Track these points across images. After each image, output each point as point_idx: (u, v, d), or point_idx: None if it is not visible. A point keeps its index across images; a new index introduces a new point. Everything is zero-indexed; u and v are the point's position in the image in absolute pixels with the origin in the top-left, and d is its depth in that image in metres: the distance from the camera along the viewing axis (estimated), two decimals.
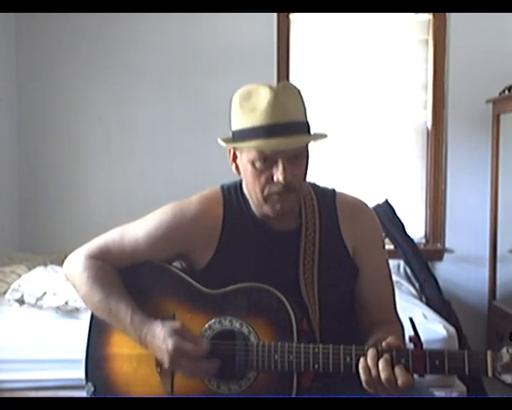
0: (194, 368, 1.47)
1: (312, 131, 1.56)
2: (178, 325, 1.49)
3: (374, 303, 1.63)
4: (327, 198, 1.66)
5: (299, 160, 1.52)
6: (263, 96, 1.48)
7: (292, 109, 1.50)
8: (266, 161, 1.50)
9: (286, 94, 1.50)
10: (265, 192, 1.52)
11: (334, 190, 1.69)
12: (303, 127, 1.52)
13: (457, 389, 2.38)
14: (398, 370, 1.35)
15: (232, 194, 1.65)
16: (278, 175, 1.49)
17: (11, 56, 3.74)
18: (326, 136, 1.56)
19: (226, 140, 1.58)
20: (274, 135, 1.47)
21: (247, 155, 1.52)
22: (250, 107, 1.49)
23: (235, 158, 1.59)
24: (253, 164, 1.51)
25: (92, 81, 3.80)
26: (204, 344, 1.48)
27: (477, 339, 3.55)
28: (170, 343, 1.45)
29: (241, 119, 1.51)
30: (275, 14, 3.74)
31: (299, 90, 1.54)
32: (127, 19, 3.68)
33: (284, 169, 1.48)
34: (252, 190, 1.56)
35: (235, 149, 1.57)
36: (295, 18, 3.80)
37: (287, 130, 1.47)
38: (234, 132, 1.55)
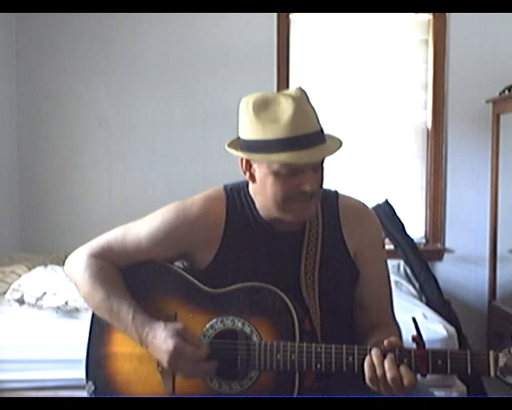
0: (193, 370, 1.47)
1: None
2: (180, 327, 1.49)
3: (372, 305, 1.63)
4: (329, 200, 1.66)
5: (320, 167, 1.53)
6: (284, 107, 1.46)
7: (313, 118, 1.50)
8: (292, 172, 1.48)
9: (305, 102, 1.50)
10: (288, 201, 1.51)
11: (336, 192, 1.69)
12: (323, 135, 1.52)
13: (457, 389, 2.38)
14: (403, 369, 1.36)
15: (235, 194, 1.64)
16: (305, 185, 1.49)
17: (11, 56, 3.74)
18: (342, 142, 1.57)
19: (234, 145, 1.56)
20: (303, 147, 1.45)
21: (270, 165, 1.50)
22: (270, 117, 1.47)
23: (248, 167, 1.56)
24: (276, 175, 1.50)
25: (92, 81, 3.79)
26: (204, 347, 1.48)
27: (477, 339, 3.55)
28: (171, 344, 1.45)
29: (260, 129, 1.48)
30: (275, 14, 3.73)
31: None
32: (127, 19, 3.68)
33: (311, 179, 1.49)
34: (271, 198, 1.53)
35: (248, 158, 1.54)
36: (295, 18, 3.79)
37: (314, 140, 1.47)
38: (249, 142, 1.51)
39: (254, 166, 1.54)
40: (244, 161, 1.56)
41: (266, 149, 1.47)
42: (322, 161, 1.54)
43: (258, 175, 1.54)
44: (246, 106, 1.51)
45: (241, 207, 1.62)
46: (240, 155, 1.54)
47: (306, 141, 1.46)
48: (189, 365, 1.47)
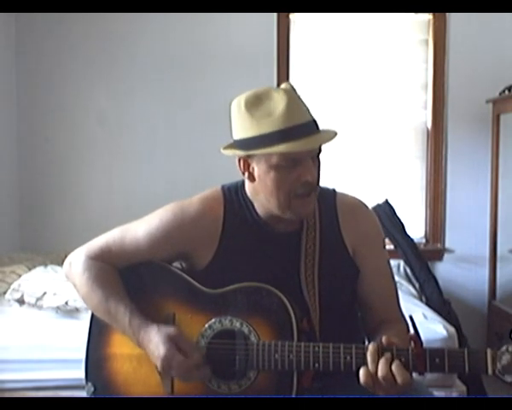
0: (185, 376, 1.49)
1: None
2: (174, 332, 1.49)
3: (377, 303, 1.63)
4: (327, 198, 1.66)
5: (317, 159, 1.54)
6: (277, 100, 1.48)
7: (305, 109, 1.51)
8: (292, 163, 1.49)
9: (295, 95, 1.51)
10: (292, 195, 1.51)
11: (334, 191, 1.69)
12: (317, 125, 1.53)
13: (457, 389, 2.38)
14: (395, 368, 1.35)
15: (233, 194, 1.64)
16: (307, 175, 1.49)
17: (11, 57, 3.74)
18: (336, 132, 1.57)
19: (230, 147, 1.56)
20: (300, 136, 1.46)
21: (268, 160, 1.49)
22: (264, 112, 1.48)
23: (247, 166, 1.56)
24: (276, 169, 1.49)
25: (92, 81, 3.79)
26: (196, 355, 1.48)
27: (477, 339, 3.55)
28: (162, 351, 1.46)
29: (255, 125, 1.48)
30: (275, 14, 3.74)
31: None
32: (128, 19, 3.68)
33: (311, 169, 1.50)
34: (272, 195, 1.52)
35: (246, 157, 1.54)
36: (295, 18, 3.80)
37: (308, 130, 1.48)
38: (245, 140, 1.51)
39: (253, 164, 1.54)
40: (242, 161, 1.56)
41: (264, 144, 1.48)
42: (319, 155, 1.55)
43: (257, 173, 1.54)
44: (238, 106, 1.52)
45: (238, 207, 1.63)
46: (238, 153, 1.54)
47: (302, 130, 1.47)
48: (180, 371, 1.48)
